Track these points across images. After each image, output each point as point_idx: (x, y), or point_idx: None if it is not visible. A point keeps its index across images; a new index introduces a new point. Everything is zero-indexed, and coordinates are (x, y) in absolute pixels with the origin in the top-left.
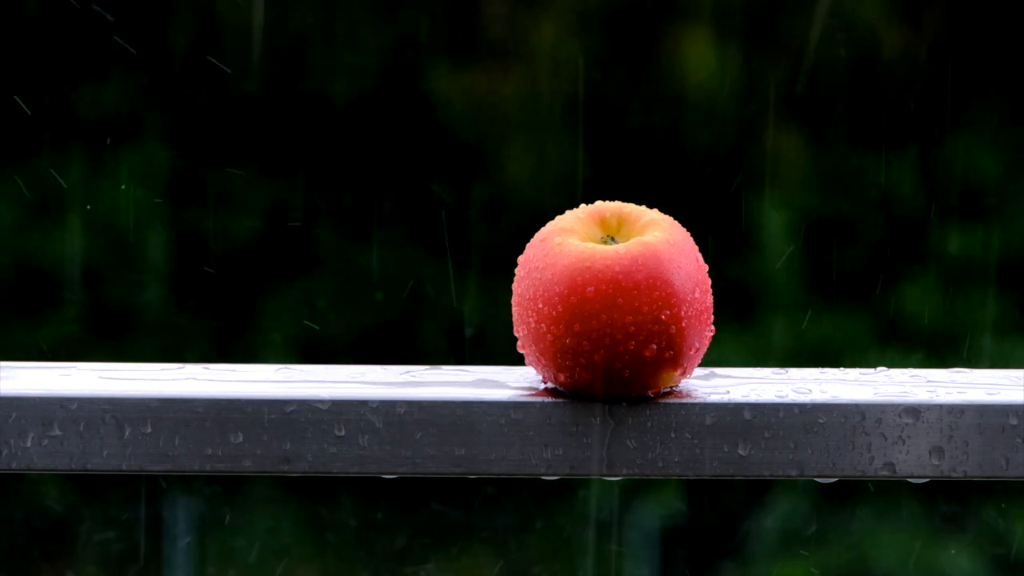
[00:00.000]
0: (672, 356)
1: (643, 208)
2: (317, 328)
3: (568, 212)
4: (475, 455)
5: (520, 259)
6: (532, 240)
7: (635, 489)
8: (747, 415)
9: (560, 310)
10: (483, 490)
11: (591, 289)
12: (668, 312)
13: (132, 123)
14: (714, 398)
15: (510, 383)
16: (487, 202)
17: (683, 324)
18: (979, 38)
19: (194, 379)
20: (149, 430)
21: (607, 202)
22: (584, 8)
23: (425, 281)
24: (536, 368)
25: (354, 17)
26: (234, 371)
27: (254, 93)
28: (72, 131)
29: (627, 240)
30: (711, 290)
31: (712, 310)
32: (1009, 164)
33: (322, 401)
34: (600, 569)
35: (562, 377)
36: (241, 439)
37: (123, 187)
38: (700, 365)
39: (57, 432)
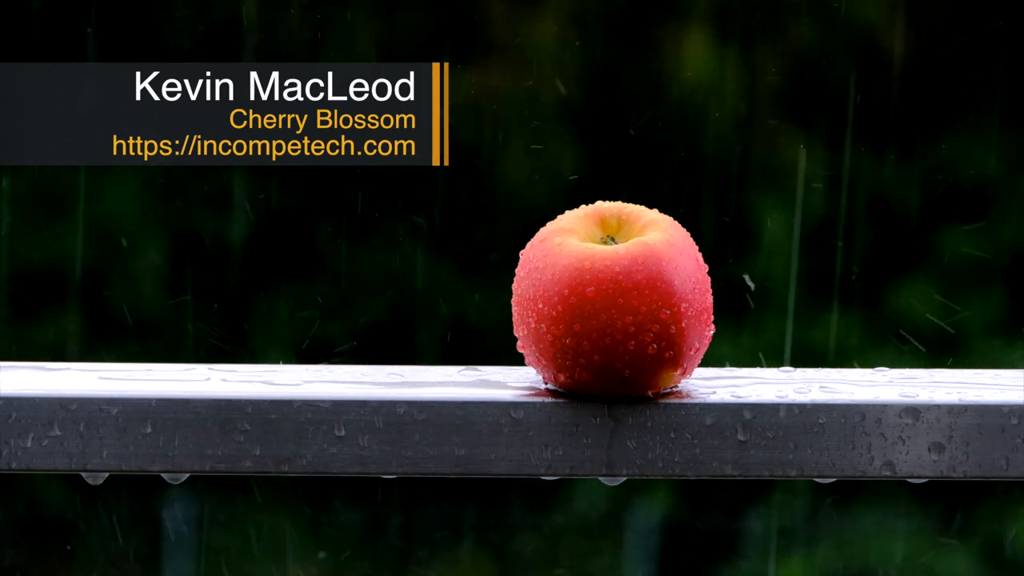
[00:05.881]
0: (672, 356)
1: (643, 208)
2: (317, 328)
3: (568, 212)
4: (475, 455)
5: (520, 259)
6: (532, 240)
7: (635, 489)
8: (747, 415)
9: (560, 310)
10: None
11: (591, 289)
12: (668, 312)
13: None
14: (714, 398)
15: (510, 383)
16: (487, 202)
17: (683, 324)
18: (979, 38)
19: (194, 379)
20: (149, 430)
21: (607, 202)
22: (584, 8)
23: (425, 281)
24: (536, 368)
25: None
26: (234, 371)
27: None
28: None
29: (627, 240)
30: (711, 290)
31: (712, 310)
32: (1009, 164)
33: (322, 401)
34: (599, 569)
35: (562, 377)
36: (241, 439)
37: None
38: (700, 365)
39: (57, 432)
